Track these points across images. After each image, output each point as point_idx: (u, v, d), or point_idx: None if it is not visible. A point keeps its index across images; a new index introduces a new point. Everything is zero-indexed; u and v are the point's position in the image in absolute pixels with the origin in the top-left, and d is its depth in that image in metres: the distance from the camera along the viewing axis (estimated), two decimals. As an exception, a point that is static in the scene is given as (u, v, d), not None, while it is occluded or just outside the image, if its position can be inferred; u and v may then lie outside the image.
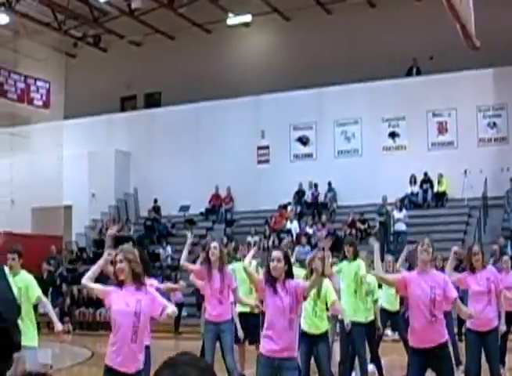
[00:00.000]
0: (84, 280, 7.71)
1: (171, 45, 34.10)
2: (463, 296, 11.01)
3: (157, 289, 9.04)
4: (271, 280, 7.73)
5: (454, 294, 8.29)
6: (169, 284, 12.15)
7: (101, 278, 8.19)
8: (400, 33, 29.46)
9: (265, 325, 7.86)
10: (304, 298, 7.94)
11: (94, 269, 7.88)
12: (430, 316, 8.09)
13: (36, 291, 9.58)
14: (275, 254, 7.84)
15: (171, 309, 7.44)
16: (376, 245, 8.90)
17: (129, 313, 7.25)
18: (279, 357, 7.68)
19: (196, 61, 32.79)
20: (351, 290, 11.68)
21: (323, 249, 12.89)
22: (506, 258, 14.67)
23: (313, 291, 9.49)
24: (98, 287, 7.64)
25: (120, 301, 7.30)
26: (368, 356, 12.29)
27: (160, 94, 34.90)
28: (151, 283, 9.02)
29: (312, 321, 10.14)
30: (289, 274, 7.81)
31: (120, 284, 7.40)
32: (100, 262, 7.98)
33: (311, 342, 10.05)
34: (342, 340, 11.90)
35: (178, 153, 31.75)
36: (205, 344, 11.29)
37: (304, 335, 9.72)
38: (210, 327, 11.07)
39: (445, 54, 27.17)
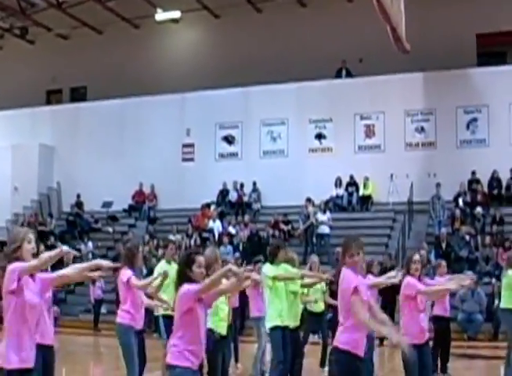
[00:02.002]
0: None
1: (98, 40, 31.61)
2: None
3: None
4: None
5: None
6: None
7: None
8: (330, 34, 27.61)
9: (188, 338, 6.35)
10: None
11: None
12: None
13: None
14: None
15: None
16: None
17: None
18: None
19: (123, 56, 30.45)
20: (278, 294, 10.43)
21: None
22: (441, 262, 13.19)
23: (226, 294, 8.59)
24: None
25: None
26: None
27: (86, 88, 32.35)
28: None
29: (225, 323, 9.11)
30: None
31: None
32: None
33: (223, 344, 9.11)
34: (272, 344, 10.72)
35: (102, 148, 29.28)
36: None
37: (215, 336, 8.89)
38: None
39: (375, 57, 25.58)
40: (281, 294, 10.44)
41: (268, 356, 11.78)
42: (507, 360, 11.76)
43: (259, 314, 11.74)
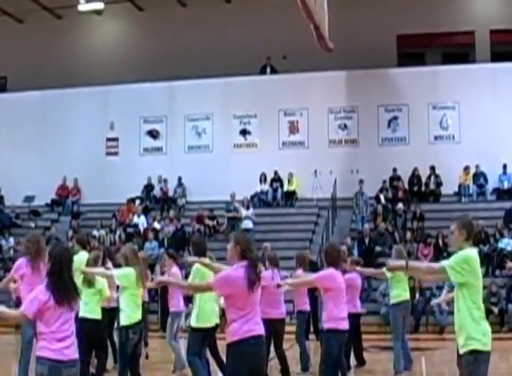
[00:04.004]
0: None
1: (19, 29, 30.44)
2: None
3: None
4: None
5: None
6: None
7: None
8: (255, 30, 27.54)
9: None
10: None
11: None
12: None
13: None
14: None
15: None
16: None
17: None
18: None
19: (45, 46, 29.54)
20: None
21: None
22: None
23: None
24: None
25: None
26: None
27: (6, 79, 31.20)
28: None
29: None
30: None
31: None
32: None
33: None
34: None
35: (23, 141, 28.27)
36: None
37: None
38: None
39: (299, 54, 25.47)
40: None
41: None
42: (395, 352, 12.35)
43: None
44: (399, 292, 12.50)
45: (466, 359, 6.25)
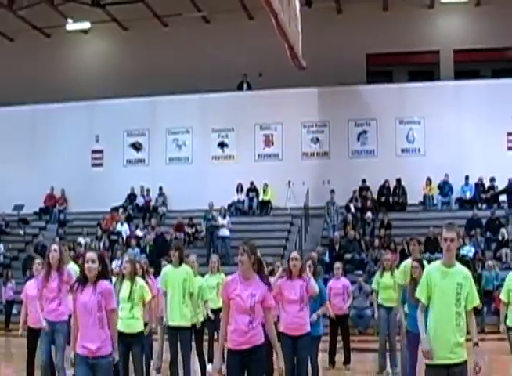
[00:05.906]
0: None
1: (10, 47, 30.81)
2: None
3: None
4: (83, 280, 7.10)
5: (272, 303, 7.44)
6: None
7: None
8: (233, 49, 28.00)
9: None
10: None
11: None
12: (249, 323, 7.09)
13: None
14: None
15: None
16: None
17: None
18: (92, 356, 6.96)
19: (34, 64, 29.77)
20: (178, 294, 10.47)
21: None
22: (337, 265, 14.43)
23: (127, 294, 9.58)
24: None
25: None
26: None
27: (-4, 94, 31.48)
28: None
29: (127, 322, 9.53)
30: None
31: None
32: None
33: (126, 343, 9.39)
34: (169, 342, 10.74)
35: (13, 153, 28.52)
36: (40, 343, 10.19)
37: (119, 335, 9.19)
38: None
39: (274, 72, 26.01)
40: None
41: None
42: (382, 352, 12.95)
43: None
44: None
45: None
